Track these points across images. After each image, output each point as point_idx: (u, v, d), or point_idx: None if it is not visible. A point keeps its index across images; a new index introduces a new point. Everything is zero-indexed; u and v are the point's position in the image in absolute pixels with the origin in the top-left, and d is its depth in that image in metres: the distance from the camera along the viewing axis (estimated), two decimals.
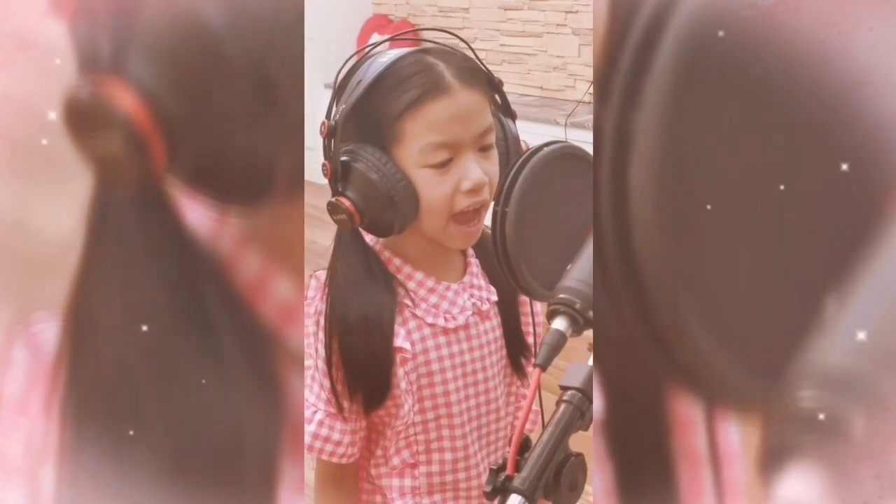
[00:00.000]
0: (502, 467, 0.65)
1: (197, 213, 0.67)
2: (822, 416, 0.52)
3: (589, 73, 3.78)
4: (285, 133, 0.66)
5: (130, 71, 0.63)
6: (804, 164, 0.59)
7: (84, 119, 0.64)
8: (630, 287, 0.60)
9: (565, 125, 3.46)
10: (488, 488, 0.64)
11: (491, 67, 1.02)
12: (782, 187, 0.58)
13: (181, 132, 0.63)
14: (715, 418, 0.68)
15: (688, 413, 0.68)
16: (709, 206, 0.59)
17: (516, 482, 0.63)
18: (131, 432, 0.65)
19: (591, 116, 3.72)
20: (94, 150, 0.64)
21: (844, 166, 0.58)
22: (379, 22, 4.77)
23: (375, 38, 4.69)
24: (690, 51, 0.58)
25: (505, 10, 4.14)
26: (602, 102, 0.60)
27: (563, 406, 0.66)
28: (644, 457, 0.71)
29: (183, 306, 0.67)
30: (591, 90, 3.55)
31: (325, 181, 0.95)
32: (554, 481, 0.64)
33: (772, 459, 0.54)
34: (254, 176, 0.66)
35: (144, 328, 0.65)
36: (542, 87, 3.98)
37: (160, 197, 0.66)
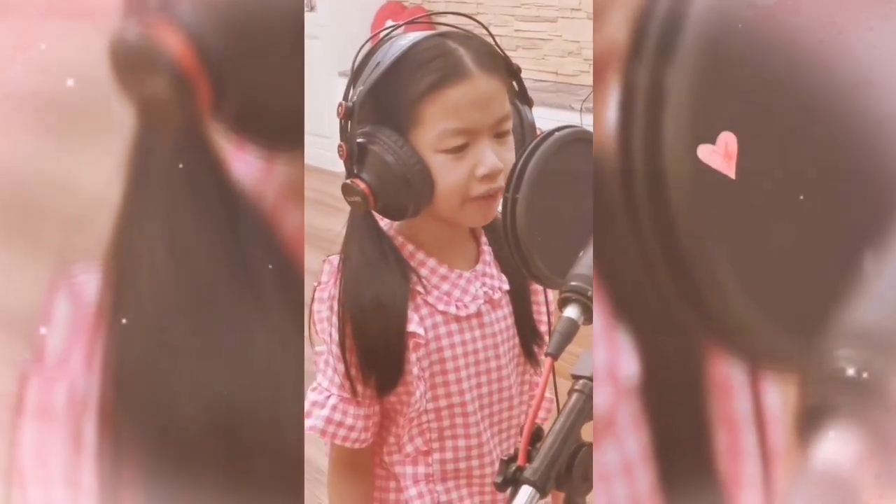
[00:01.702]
0: (513, 458, 0.64)
1: (243, 162, 0.67)
2: (863, 375, 0.51)
3: None
4: (297, 71, 0.66)
5: (177, 13, 0.63)
6: (841, 129, 0.58)
7: (130, 60, 0.63)
8: (666, 250, 0.60)
9: (580, 110, 3.44)
10: (499, 479, 0.63)
11: (505, 52, 1.01)
12: (819, 150, 0.58)
13: (227, 75, 0.63)
14: (757, 381, 0.67)
15: (727, 376, 0.68)
16: (744, 168, 0.59)
17: (527, 473, 0.62)
18: (171, 385, 0.65)
19: None
20: (139, 91, 0.64)
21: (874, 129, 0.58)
22: (393, 9, 4.74)
23: (389, 24, 4.68)
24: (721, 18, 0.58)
25: None
26: (633, 58, 0.59)
27: (574, 395, 0.65)
28: (682, 421, 0.70)
29: (226, 255, 0.67)
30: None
31: (339, 169, 0.94)
32: (566, 471, 0.64)
33: (809, 420, 0.54)
34: (293, 122, 0.66)
35: (186, 277, 0.65)
36: (556, 73, 3.95)
37: (204, 142, 0.66)
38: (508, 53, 0.99)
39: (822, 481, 0.51)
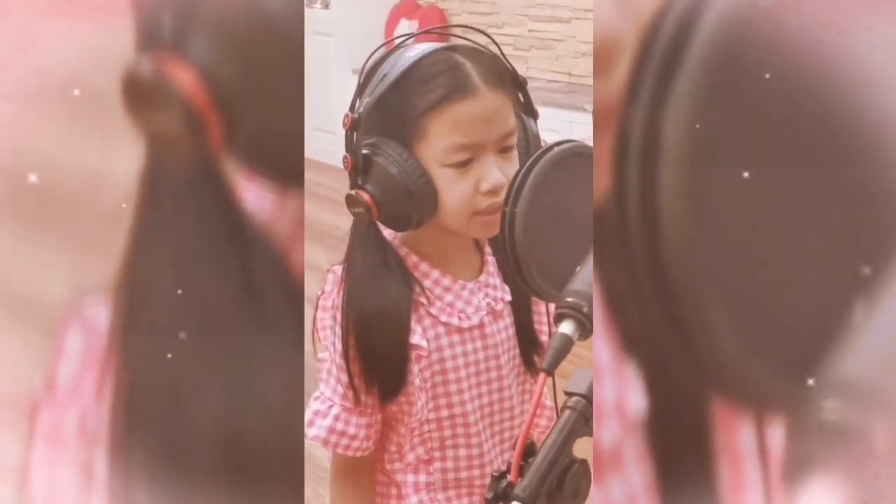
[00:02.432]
0: (504, 473, 0.64)
1: (254, 195, 0.68)
2: (848, 427, 0.51)
3: None
4: (295, 107, 0.67)
5: (190, 49, 0.64)
6: (836, 171, 0.58)
7: (143, 96, 0.64)
8: (659, 290, 0.60)
9: (592, 112, 3.43)
10: (489, 495, 0.63)
11: (519, 53, 1.01)
12: (812, 194, 0.58)
13: (238, 110, 0.64)
14: (762, 416, 0.67)
15: (732, 410, 0.67)
16: (738, 211, 0.58)
17: (517, 490, 0.62)
18: (179, 411, 0.66)
19: None
20: (151, 126, 0.65)
21: (872, 173, 0.57)
22: (407, 7, 4.74)
23: (403, 23, 4.67)
24: (721, 50, 0.58)
25: None
26: (631, 103, 0.59)
27: (566, 412, 0.65)
28: (687, 455, 0.70)
29: (234, 285, 0.67)
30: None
31: None
32: (557, 488, 0.64)
33: (794, 468, 0.54)
34: (294, 160, 0.67)
35: (194, 306, 0.66)
36: (570, 73, 3.95)
37: (215, 175, 0.67)
38: (522, 53, 1.00)
39: None
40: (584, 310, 0.69)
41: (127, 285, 0.67)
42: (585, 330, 0.69)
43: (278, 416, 0.67)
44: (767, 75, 0.57)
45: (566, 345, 0.69)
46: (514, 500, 0.62)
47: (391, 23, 4.75)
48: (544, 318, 1.05)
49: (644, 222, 0.59)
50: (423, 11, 4.66)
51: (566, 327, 0.69)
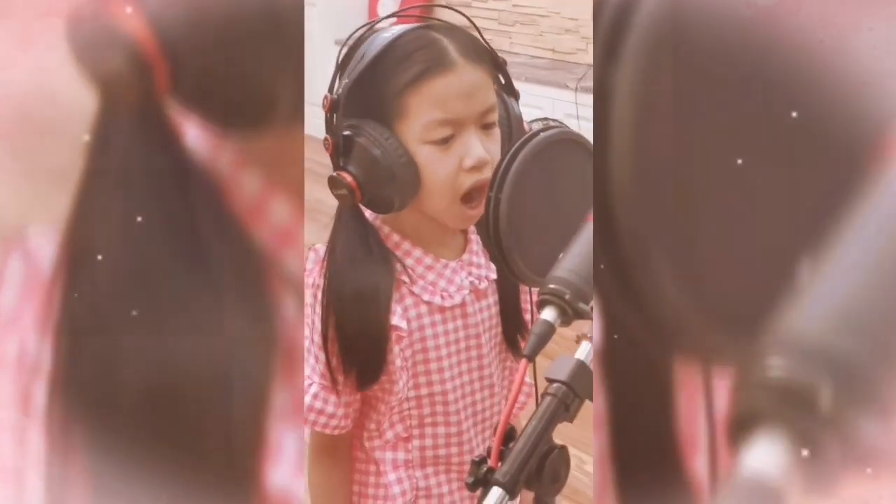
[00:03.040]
0: (484, 458, 0.65)
1: (195, 135, 0.68)
2: (793, 384, 0.52)
3: None
4: (286, 58, 0.65)
5: None
6: (781, 132, 0.59)
7: (89, 39, 0.64)
8: (607, 246, 0.61)
9: (576, 89, 3.43)
10: (469, 480, 0.64)
11: (503, 28, 1.01)
12: (760, 144, 0.59)
13: (185, 55, 0.63)
14: (711, 379, 0.68)
15: (690, 375, 0.68)
16: (682, 170, 0.59)
17: (497, 475, 0.63)
18: (122, 354, 0.65)
19: None
20: (97, 70, 0.64)
21: (817, 130, 0.59)
22: None
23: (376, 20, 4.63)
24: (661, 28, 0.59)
25: None
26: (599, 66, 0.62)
27: (547, 399, 0.66)
28: (645, 417, 0.71)
29: (179, 226, 0.67)
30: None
31: None
32: (536, 473, 0.65)
33: (738, 425, 0.54)
34: (254, 101, 0.66)
35: (140, 247, 0.66)
36: (553, 50, 3.94)
37: (161, 117, 0.66)
38: (506, 29, 1.00)
39: (748, 490, 0.52)
40: (567, 297, 0.70)
41: (73, 219, 0.67)
42: (567, 316, 0.70)
43: (230, 362, 0.66)
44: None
45: (548, 331, 0.70)
46: (494, 484, 0.63)
47: None
48: (528, 297, 1.06)
49: (599, 186, 0.61)
50: None
51: (548, 314, 0.70)
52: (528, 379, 1.11)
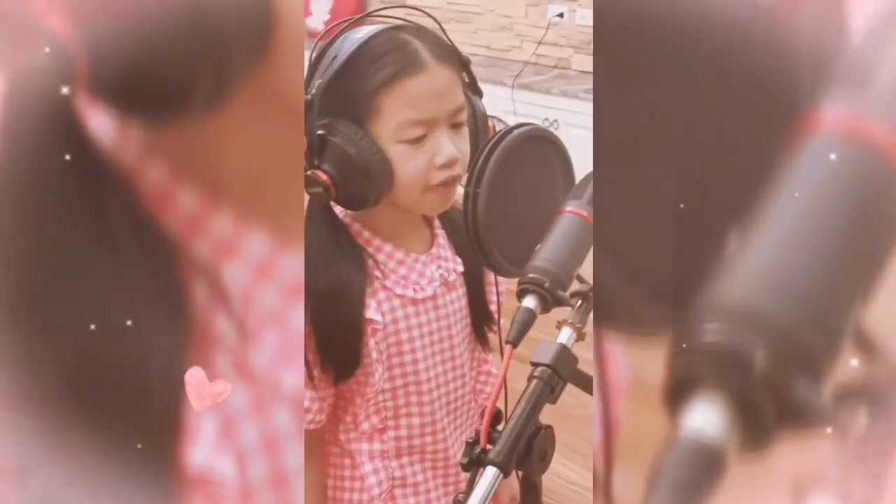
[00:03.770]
0: (477, 441, 0.68)
1: (101, 122, 0.68)
2: (728, 347, 0.55)
3: (535, 33, 3.80)
4: (207, 48, 0.65)
5: None
6: (711, 103, 0.62)
7: (7, 30, 0.63)
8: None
9: (512, 86, 3.48)
10: (464, 460, 0.67)
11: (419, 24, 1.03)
12: (690, 119, 0.61)
13: (104, 47, 0.63)
14: (603, 350, 0.70)
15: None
16: (620, 137, 0.62)
17: (491, 455, 0.66)
18: (35, 342, 0.66)
19: (538, 78, 3.69)
20: (12, 58, 0.64)
21: (758, 113, 0.61)
22: None
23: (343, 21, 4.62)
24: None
25: None
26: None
27: (534, 382, 0.69)
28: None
29: (87, 213, 0.68)
30: (539, 51, 3.52)
31: None
32: (525, 453, 0.69)
33: (677, 389, 0.57)
34: (171, 89, 0.66)
35: (49, 231, 0.66)
36: (488, 47, 3.98)
37: (70, 108, 0.66)
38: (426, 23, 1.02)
39: (690, 448, 0.55)
40: (546, 285, 0.73)
41: None
42: (547, 304, 0.74)
43: (144, 343, 0.68)
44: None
45: (530, 318, 0.73)
46: (488, 464, 0.66)
47: None
48: (493, 289, 1.10)
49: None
50: None
51: (529, 301, 0.73)
52: (495, 370, 1.15)
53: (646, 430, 0.68)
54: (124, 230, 0.68)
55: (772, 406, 0.54)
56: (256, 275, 0.72)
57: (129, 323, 0.67)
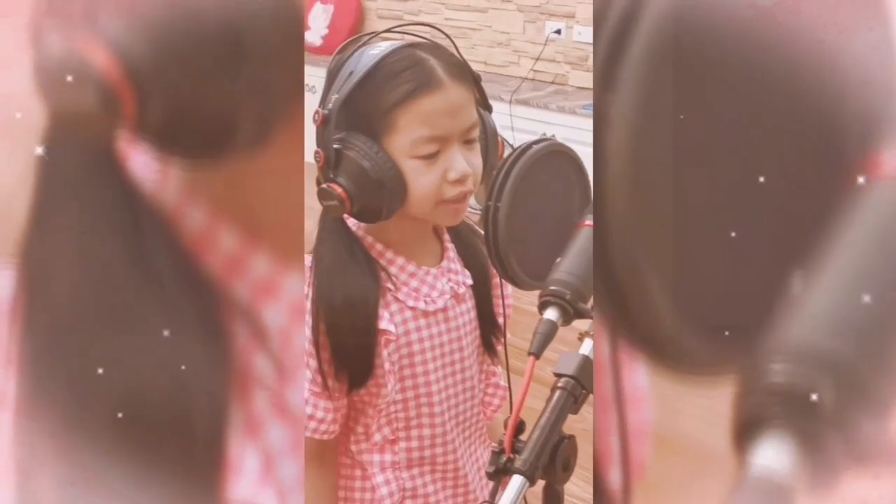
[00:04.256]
0: (502, 450, 0.69)
1: (143, 162, 0.68)
2: (795, 388, 0.56)
3: (533, 49, 3.83)
4: (249, 93, 0.65)
5: (104, 25, 0.63)
6: (777, 149, 0.61)
7: (54, 74, 0.64)
8: (597, 253, 0.63)
9: (510, 102, 3.51)
10: (490, 469, 0.68)
11: (434, 41, 1.05)
12: (749, 162, 0.61)
13: (152, 89, 0.63)
14: (621, 360, 0.70)
15: (601, 357, 0.71)
16: (677, 176, 0.61)
17: (517, 464, 0.67)
18: (83, 379, 0.66)
19: (535, 93, 3.72)
20: (62, 104, 0.64)
21: (816, 153, 0.61)
22: None
23: (318, 7, 4.65)
24: (664, 37, 0.60)
25: None
26: (600, 88, 0.63)
27: (558, 392, 0.71)
28: None
29: (130, 257, 0.68)
30: (536, 67, 3.55)
31: None
32: (549, 462, 0.69)
33: (745, 430, 0.57)
34: (217, 128, 0.66)
35: (92, 271, 0.67)
36: (486, 63, 4.01)
37: (114, 147, 0.67)
38: (437, 42, 1.04)
39: (758, 489, 0.55)
40: (567, 297, 0.75)
41: (28, 251, 0.68)
42: (568, 315, 0.75)
43: (185, 384, 0.68)
44: (716, 57, 0.60)
45: (551, 330, 0.74)
46: (514, 473, 0.67)
47: (306, 7, 4.71)
48: (500, 302, 1.11)
49: (598, 188, 0.63)
50: None
51: (551, 313, 0.75)
52: (503, 382, 1.16)
53: (673, 473, 0.69)
54: (167, 271, 0.68)
55: (840, 444, 0.55)
56: (291, 313, 0.73)
57: (171, 362, 0.67)
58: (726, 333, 0.62)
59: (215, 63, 0.64)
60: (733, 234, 0.62)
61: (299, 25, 0.68)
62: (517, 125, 3.43)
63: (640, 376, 0.70)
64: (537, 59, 3.78)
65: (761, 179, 0.62)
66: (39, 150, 0.67)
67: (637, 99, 0.62)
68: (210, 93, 0.65)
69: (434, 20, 4.14)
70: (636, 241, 0.62)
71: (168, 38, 0.64)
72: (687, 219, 0.62)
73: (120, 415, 0.66)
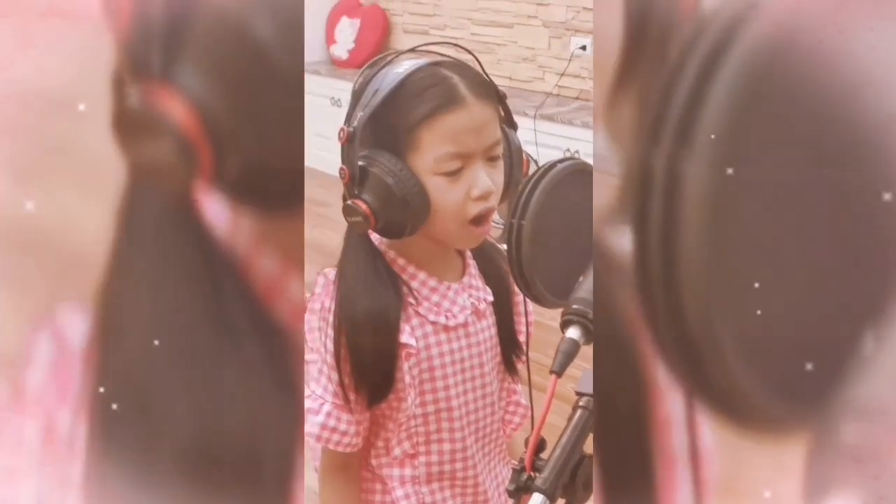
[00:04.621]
0: (523, 468, 0.69)
1: (215, 212, 0.69)
2: (866, 448, 0.55)
3: (558, 65, 3.84)
4: (293, 138, 0.68)
5: (179, 79, 0.65)
6: (846, 198, 0.60)
7: (134, 127, 0.66)
8: (669, 304, 0.61)
9: (534, 117, 3.51)
10: (511, 487, 0.69)
11: (460, 56, 1.05)
12: (825, 218, 0.60)
13: (228, 141, 0.65)
14: (694, 417, 0.70)
15: (668, 413, 0.71)
16: (752, 235, 0.60)
17: (538, 482, 0.68)
18: (155, 428, 0.67)
19: (560, 109, 3.72)
20: (141, 156, 0.66)
21: (887, 196, 0.59)
22: (348, 5, 4.76)
23: (345, 21, 4.68)
24: (746, 89, 0.58)
25: None
26: (652, 141, 0.61)
27: (579, 411, 0.71)
28: (626, 456, 0.74)
29: (205, 304, 0.69)
30: (562, 83, 3.55)
31: (310, 164, 0.97)
32: (570, 481, 0.70)
33: (815, 488, 0.57)
34: (294, 182, 0.69)
35: (168, 319, 0.68)
36: (510, 78, 4.02)
37: (188, 196, 0.68)
38: (463, 57, 1.04)
39: None
40: (590, 316, 0.75)
41: (105, 298, 0.69)
42: (591, 334, 0.75)
43: (258, 432, 0.69)
44: (800, 116, 0.58)
45: (573, 348, 0.74)
46: (535, 491, 0.67)
47: (332, 20, 4.75)
48: (522, 319, 1.11)
49: (661, 244, 0.61)
50: (365, 10, 4.68)
51: (573, 332, 0.75)
52: (523, 400, 1.16)
53: None
54: (239, 317, 0.69)
55: (871, 476, 0.54)
56: None
57: (243, 407, 0.68)
58: (800, 391, 0.61)
59: (284, 115, 0.66)
60: (808, 291, 0.61)
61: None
62: (541, 140, 3.44)
63: (708, 432, 0.69)
64: (562, 74, 3.78)
65: (831, 238, 0.61)
66: (82, 107, 0.68)
67: (722, 157, 0.59)
68: (282, 145, 0.67)
69: (460, 35, 4.16)
70: (713, 300, 0.60)
71: (243, 90, 0.65)
72: (762, 277, 0.61)
73: (191, 459, 0.67)
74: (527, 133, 3.47)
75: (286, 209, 0.70)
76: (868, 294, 0.60)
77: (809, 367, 0.61)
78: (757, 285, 0.60)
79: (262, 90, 0.65)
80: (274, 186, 0.69)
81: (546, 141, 3.44)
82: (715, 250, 0.60)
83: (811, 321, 0.62)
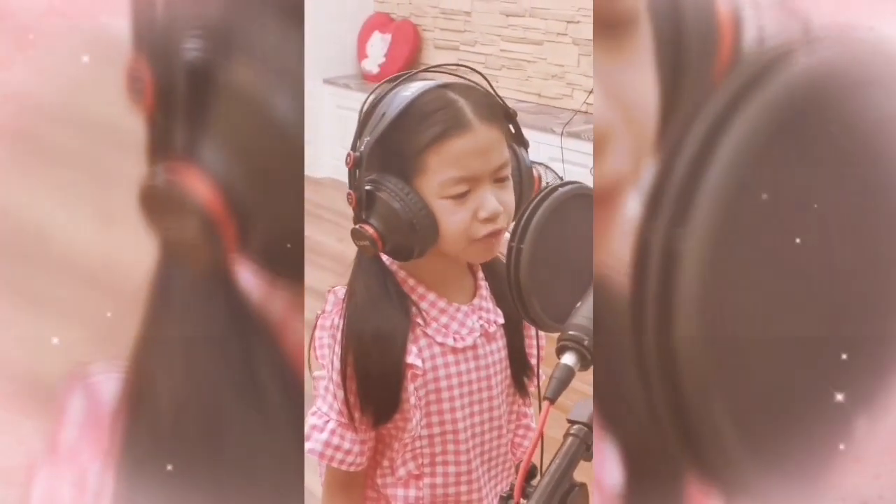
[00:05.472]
0: (511, 495, 0.69)
1: (248, 279, 0.71)
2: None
3: (587, 83, 3.83)
4: (296, 206, 0.70)
5: (202, 157, 0.66)
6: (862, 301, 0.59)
7: (159, 206, 0.67)
8: (666, 384, 0.60)
9: (561, 134, 3.51)
10: None
11: (490, 72, 1.06)
12: (824, 303, 0.58)
13: (252, 217, 0.66)
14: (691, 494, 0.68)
15: (703, 491, 0.68)
16: (751, 319, 0.59)
17: None
18: (180, 488, 0.68)
19: (587, 126, 3.71)
20: (167, 234, 0.68)
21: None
22: (380, 20, 4.79)
23: (376, 36, 4.71)
24: (744, 168, 0.57)
25: (507, 16, 4.18)
26: (650, 217, 0.60)
27: (570, 439, 0.70)
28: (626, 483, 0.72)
29: (235, 367, 0.70)
30: (590, 100, 3.53)
31: (321, 175, 0.98)
32: None
33: None
34: (295, 249, 0.69)
35: (199, 387, 0.69)
36: (539, 94, 4.02)
37: (221, 265, 0.69)
38: (493, 72, 1.06)
39: None
40: (585, 342, 0.74)
41: (137, 360, 0.70)
42: (586, 361, 0.75)
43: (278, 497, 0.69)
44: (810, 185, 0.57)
45: (568, 375, 0.74)
46: None
47: (364, 35, 4.79)
48: (534, 342, 1.11)
49: (658, 320, 0.60)
50: (397, 25, 4.70)
51: (568, 358, 0.74)
52: (534, 424, 1.16)
53: None
54: (270, 384, 0.70)
55: (871, 476, 0.54)
56: None
57: (271, 472, 0.69)
58: (796, 472, 0.60)
59: (291, 183, 0.67)
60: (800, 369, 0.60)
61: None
62: (568, 157, 3.43)
63: None
64: (590, 92, 3.77)
65: (822, 318, 0.59)
66: (85, 59, 0.68)
67: (718, 231, 0.58)
68: (290, 210, 0.68)
69: (490, 51, 4.17)
70: (709, 379, 0.59)
71: (261, 165, 0.67)
72: (754, 359, 0.60)
73: None
74: (554, 150, 3.47)
75: (290, 274, 0.72)
76: (861, 374, 0.59)
77: (806, 448, 0.59)
78: (751, 360, 0.59)
79: (276, 163, 0.67)
80: (302, 255, 0.70)
81: (572, 158, 3.43)
82: (711, 328, 0.59)
83: (805, 406, 0.60)
